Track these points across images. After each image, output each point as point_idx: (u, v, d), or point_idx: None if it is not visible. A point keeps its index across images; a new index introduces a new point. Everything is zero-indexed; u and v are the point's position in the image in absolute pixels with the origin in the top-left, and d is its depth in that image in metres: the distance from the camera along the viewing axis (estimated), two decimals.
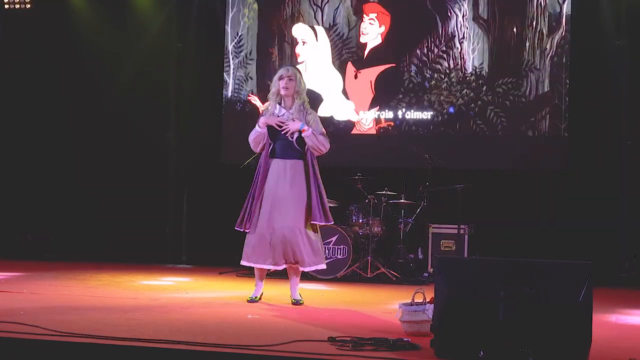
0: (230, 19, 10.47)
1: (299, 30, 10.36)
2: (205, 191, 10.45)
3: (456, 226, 8.72)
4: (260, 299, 6.50)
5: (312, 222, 6.24)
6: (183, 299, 6.61)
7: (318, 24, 10.27)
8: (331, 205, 9.05)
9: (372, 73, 10.18)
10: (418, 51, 9.93)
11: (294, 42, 10.33)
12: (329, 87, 10.23)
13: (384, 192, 8.85)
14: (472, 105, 9.74)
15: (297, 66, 10.16)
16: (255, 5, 10.45)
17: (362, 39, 10.19)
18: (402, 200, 8.82)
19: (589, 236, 8.91)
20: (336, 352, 4.19)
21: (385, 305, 6.47)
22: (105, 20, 10.54)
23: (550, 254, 7.78)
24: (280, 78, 6.35)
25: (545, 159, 9.54)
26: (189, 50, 10.66)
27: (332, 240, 8.52)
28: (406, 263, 8.80)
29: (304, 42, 10.32)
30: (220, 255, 9.81)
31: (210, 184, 10.40)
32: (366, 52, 10.18)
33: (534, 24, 9.61)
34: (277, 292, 7.34)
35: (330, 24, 10.25)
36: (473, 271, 4.34)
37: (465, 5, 9.82)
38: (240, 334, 4.73)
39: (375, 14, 10.25)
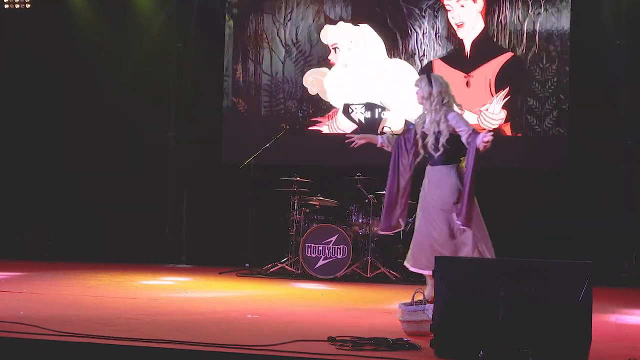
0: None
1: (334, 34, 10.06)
2: (205, 191, 10.45)
3: None
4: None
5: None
6: (183, 298, 6.61)
7: (282, 42, 10.15)
8: (332, 205, 9.09)
9: (488, 71, 9.43)
10: None
11: (258, 59, 10.25)
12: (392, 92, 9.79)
13: (384, 192, 8.82)
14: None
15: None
16: (231, 23, 10.49)
17: (460, 33, 9.61)
18: None
19: (589, 236, 8.90)
20: (336, 352, 4.19)
21: (385, 305, 6.47)
22: (105, 21, 10.54)
23: (550, 254, 7.77)
24: None
25: (545, 158, 9.53)
26: (189, 50, 10.65)
27: (332, 240, 8.52)
28: None
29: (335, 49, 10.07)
30: (220, 255, 9.83)
31: (210, 184, 10.40)
32: (468, 48, 9.59)
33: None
34: (277, 292, 7.35)
35: (293, 40, 10.17)
36: (473, 271, 4.34)
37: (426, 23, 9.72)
38: (240, 334, 4.73)
39: None
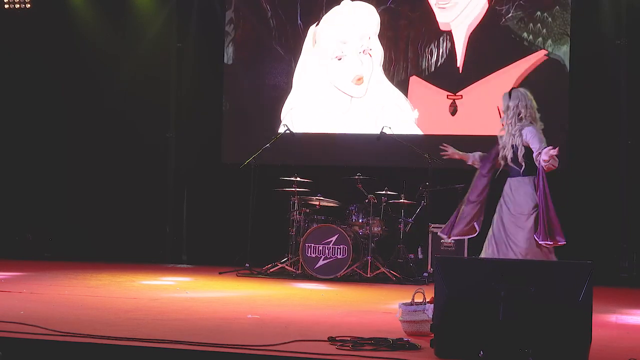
0: None
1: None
2: (205, 191, 10.45)
3: None
4: None
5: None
6: (183, 298, 6.62)
7: None
8: (332, 205, 9.10)
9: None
10: None
11: None
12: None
13: (384, 192, 8.84)
14: None
15: None
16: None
17: (444, 16, 8.74)
18: (402, 200, 8.82)
19: (589, 236, 8.89)
20: (336, 352, 4.20)
21: (385, 305, 6.47)
22: (105, 21, 10.54)
23: None
24: None
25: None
26: (189, 50, 10.65)
27: (332, 240, 8.52)
28: (406, 263, 8.79)
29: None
30: (220, 255, 9.83)
31: (210, 184, 10.40)
32: (460, 49, 8.96)
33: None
34: (277, 292, 7.35)
35: None
36: (473, 271, 4.34)
37: None
38: (240, 334, 4.73)
39: None
